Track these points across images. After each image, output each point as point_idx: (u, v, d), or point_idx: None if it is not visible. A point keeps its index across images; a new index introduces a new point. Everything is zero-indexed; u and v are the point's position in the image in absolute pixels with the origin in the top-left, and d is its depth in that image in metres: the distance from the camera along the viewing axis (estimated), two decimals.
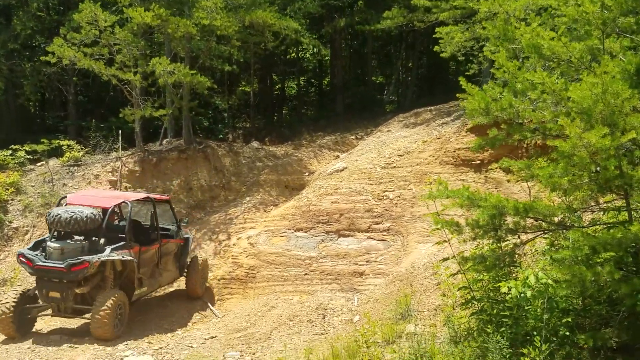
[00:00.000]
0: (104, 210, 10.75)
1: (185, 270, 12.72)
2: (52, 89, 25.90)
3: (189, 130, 18.92)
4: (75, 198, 11.31)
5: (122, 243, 10.38)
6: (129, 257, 10.41)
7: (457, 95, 7.49)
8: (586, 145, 5.49)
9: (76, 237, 10.29)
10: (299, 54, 31.79)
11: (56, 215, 10.05)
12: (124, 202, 11.49)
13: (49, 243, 10.02)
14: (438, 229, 7.48)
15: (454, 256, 7.69)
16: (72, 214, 10.02)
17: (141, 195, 13.18)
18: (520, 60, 7.31)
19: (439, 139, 15.56)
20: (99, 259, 9.81)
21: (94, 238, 10.35)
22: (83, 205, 10.58)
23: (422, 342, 7.45)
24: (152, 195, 12.47)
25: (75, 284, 9.88)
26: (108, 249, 10.03)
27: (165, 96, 18.95)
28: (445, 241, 7.91)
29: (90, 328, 9.88)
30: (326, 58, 30.54)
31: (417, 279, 10.68)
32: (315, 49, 29.70)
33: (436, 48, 16.76)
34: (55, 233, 10.45)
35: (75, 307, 10.16)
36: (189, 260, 12.85)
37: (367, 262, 12.63)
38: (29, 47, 23.74)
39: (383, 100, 29.73)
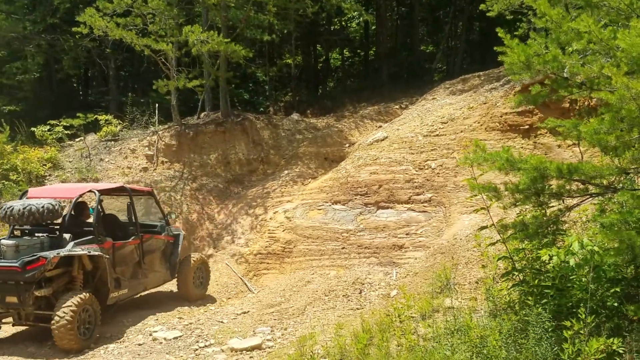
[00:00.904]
0: (75, 203, 9.76)
1: (177, 270, 11.41)
2: (94, 64, 26.12)
3: (226, 103, 18.74)
4: (37, 191, 10.30)
5: (89, 237, 9.10)
6: (98, 253, 9.02)
7: (495, 48, 6.95)
8: (635, 97, 4.99)
9: (38, 234, 9.24)
10: (344, 24, 31.28)
11: (9, 208, 9.02)
12: (90, 191, 10.10)
13: (2, 240, 8.89)
14: (476, 195, 7.07)
15: (493, 224, 7.23)
16: (27, 205, 8.94)
17: (113, 185, 11.85)
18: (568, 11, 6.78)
19: (485, 104, 14.96)
20: (57, 254, 8.46)
21: (57, 233, 9.32)
22: (44, 198, 9.46)
23: (459, 316, 7.08)
24: (129, 186, 11.13)
25: (34, 286, 8.40)
26: (71, 244, 8.77)
27: (202, 67, 18.75)
28: (483, 208, 7.45)
29: (53, 338, 8.45)
30: (373, 28, 29.92)
31: (459, 251, 10.27)
32: (360, 17, 29.19)
33: (482, 6, 16.02)
34: (17, 232, 9.51)
35: (38, 314, 8.73)
36: (180, 259, 11.49)
37: (407, 234, 12.25)
38: (69, 21, 23.86)
39: (431, 69, 29.01)
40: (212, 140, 17.86)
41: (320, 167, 16.63)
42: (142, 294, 11.07)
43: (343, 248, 12.43)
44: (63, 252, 8.58)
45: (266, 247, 13.25)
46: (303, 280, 11.66)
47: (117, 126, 17.99)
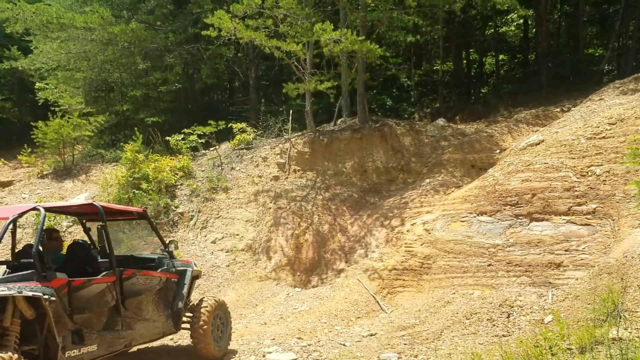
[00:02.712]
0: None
1: (190, 318, 8.69)
2: (235, 73, 26.66)
3: (364, 108, 18.12)
4: None
5: (26, 272, 6.57)
6: (39, 293, 6.31)
7: None
8: None
9: None
10: (501, 27, 29.90)
11: None
12: (34, 209, 7.07)
13: None
14: None
15: None
16: None
17: (76, 202, 8.63)
18: None
19: None
20: None
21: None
22: None
23: (628, 351, 5.86)
24: (101, 204, 7.87)
25: None
26: None
27: (338, 69, 18.25)
28: None
29: None
30: (533, 31, 28.21)
31: (630, 272, 8.85)
32: (517, 15, 27.65)
33: None
34: None
35: None
36: (193, 303, 9.02)
37: (565, 251, 10.87)
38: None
39: (599, 71, 26.72)
40: (348, 148, 17.30)
41: (466, 175, 15.50)
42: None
43: (489, 265, 11.28)
44: None
45: (402, 262, 12.38)
46: (442, 300, 10.74)
47: (250, 134, 17.93)
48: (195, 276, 9.17)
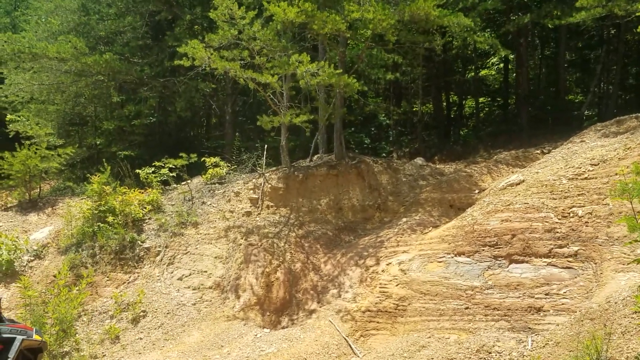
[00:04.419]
0: None
1: None
2: (210, 108, 26.30)
3: (340, 144, 17.77)
4: None
5: None
6: None
7: None
8: None
9: None
10: (480, 72, 29.97)
11: None
12: None
13: None
14: (637, 240, 5.47)
15: None
16: None
17: None
18: None
19: None
20: None
21: None
22: None
23: None
24: None
25: None
26: None
27: (315, 104, 17.90)
28: None
29: None
30: (514, 75, 28.23)
31: (613, 318, 8.49)
32: (498, 59, 27.73)
33: None
34: None
35: None
36: None
37: (546, 294, 10.45)
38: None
39: (580, 115, 26.68)
40: (324, 184, 16.89)
41: (444, 215, 15.12)
42: None
43: (467, 308, 10.81)
44: None
45: (376, 303, 11.89)
46: (417, 344, 10.26)
47: (223, 169, 17.47)
48: (35, 348, 6.69)
